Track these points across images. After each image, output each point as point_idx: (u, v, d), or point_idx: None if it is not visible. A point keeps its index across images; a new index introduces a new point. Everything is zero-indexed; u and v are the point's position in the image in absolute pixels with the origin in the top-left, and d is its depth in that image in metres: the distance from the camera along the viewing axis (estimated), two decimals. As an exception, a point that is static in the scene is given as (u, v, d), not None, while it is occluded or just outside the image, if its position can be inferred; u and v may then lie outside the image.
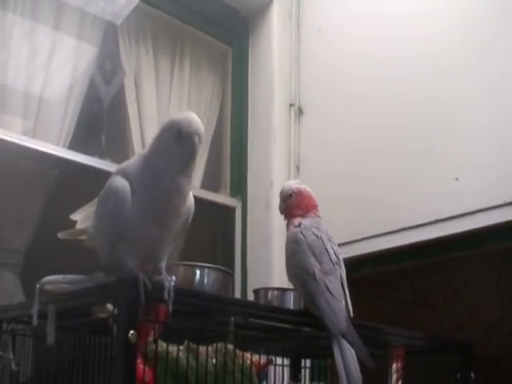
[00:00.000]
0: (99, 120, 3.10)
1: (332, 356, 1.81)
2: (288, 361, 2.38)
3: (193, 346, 1.72)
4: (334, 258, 1.90)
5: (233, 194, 3.40)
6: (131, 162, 1.63)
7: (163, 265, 1.66)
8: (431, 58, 2.87)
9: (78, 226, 1.83)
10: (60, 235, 1.87)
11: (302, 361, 2.49)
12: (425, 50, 2.90)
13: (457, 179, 2.67)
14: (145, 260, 1.64)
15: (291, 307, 2.15)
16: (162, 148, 1.56)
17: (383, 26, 3.09)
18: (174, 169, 1.54)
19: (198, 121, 1.55)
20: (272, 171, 3.28)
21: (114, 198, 1.57)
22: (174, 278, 1.67)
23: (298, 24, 3.50)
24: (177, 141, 1.53)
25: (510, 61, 2.62)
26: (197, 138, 1.52)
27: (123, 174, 1.60)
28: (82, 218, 1.82)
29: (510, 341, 2.54)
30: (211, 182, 3.34)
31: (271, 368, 2.08)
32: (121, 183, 1.57)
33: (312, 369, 2.49)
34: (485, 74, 2.68)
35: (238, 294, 3.08)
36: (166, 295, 1.52)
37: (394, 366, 2.15)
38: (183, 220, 1.66)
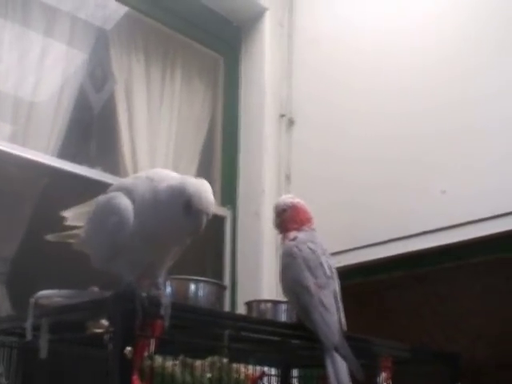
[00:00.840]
0: (89, 128, 3.09)
1: (323, 366, 1.83)
2: (277, 371, 2.39)
3: (188, 360, 1.73)
4: (328, 271, 1.93)
5: (223, 203, 3.41)
6: (138, 183, 1.60)
7: (161, 280, 1.66)
8: (420, 71, 2.90)
9: (67, 223, 1.80)
10: (49, 237, 1.84)
11: (292, 371, 2.50)
12: (415, 63, 2.93)
13: (444, 192, 2.71)
14: (143, 275, 1.65)
15: (284, 319, 2.16)
16: (168, 204, 1.52)
17: (376, 36, 3.13)
18: (181, 234, 1.55)
19: (209, 194, 1.53)
20: (263, 180, 3.29)
21: (116, 216, 1.55)
22: (169, 290, 1.68)
23: (290, 35, 3.52)
24: (185, 211, 1.50)
25: (494, 77, 2.65)
26: (205, 217, 1.51)
27: (128, 192, 1.58)
28: (73, 215, 1.80)
29: (495, 351, 2.58)
30: (201, 190, 3.34)
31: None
32: (124, 202, 1.56)
33: (302, 378, 2.51)
34: (472, 89, 2.72)
35: (227, 304, 3.08)
36: (162, 311, 1.52)
37: (382, 376, 2.17)
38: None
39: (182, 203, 1.50)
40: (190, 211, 1.49)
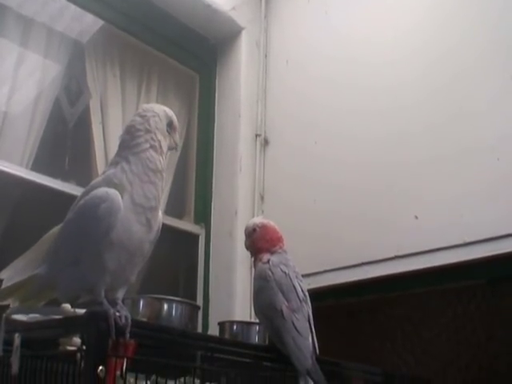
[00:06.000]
0: (63, 141, 3.04)
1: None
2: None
3: (160, 380, 1.70)
4: (301, 295, 1.92)
5: (197, 221, 3.38)
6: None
7: (120, 295, 1.63)
8: (394, 93, 2.93)
9: (5, 285, 1.76)
10: None
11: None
12: (389, 84, 2.96)
13: (416, 217, 2.72)
14: (112, 283, 1.61)
15: (256, 340, 2.16)
16: None
17: (349, 60, 3.15)
18: None
19: None
20: (237, 200, 3.28)
21: (107, 202, 1.55)
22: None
23: (266, 55, 3.54)
24: None
25: (465, 106, 2.69)
26: None
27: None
28: (11, 274, 1.78)
29: (465, 376, 2.60)
30: (175, 208, 3.31)
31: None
32: (111, 190, 1.57)
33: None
34: (440, 115, 2.76)
35: (199, 324, 3.05)
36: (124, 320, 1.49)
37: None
38: (155, 231, 1.65)
39: None
40: None
